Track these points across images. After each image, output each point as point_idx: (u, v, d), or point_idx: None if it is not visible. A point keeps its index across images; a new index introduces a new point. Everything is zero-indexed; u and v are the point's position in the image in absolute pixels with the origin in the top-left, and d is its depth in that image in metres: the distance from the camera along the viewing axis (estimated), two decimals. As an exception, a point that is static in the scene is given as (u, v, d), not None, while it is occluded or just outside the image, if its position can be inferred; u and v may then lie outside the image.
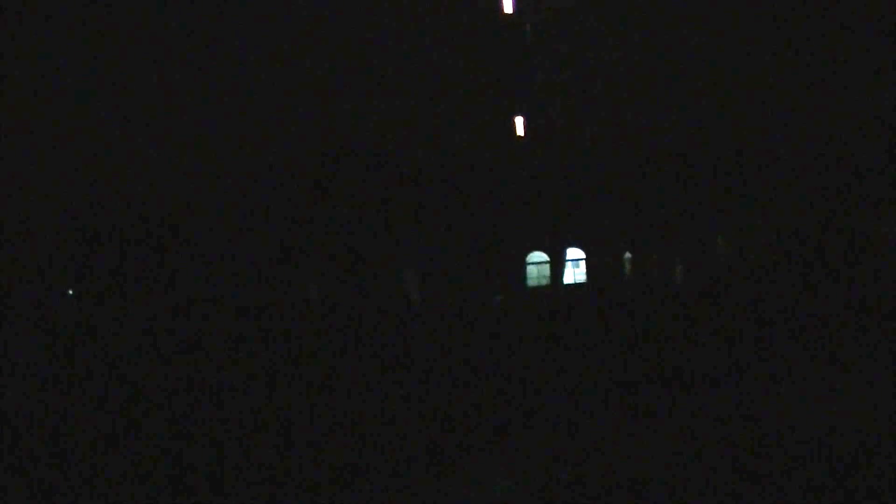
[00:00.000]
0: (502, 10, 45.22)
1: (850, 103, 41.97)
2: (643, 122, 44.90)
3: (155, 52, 43.12)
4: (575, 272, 47.39)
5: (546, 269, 46.78)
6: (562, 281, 46.51)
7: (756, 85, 43.49)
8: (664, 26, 44.72)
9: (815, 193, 42.11)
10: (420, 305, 41.06)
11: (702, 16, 43.93)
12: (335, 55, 44.08)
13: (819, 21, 42.29)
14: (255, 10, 43.68)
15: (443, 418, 15.42)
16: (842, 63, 41.87)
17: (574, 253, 47.22)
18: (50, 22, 42.29)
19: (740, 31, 43.37)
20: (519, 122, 45.69)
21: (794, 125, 43.07)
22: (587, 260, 46.76)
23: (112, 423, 15.95)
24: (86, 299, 40.64)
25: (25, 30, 42.15)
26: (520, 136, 45.70)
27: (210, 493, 11.74)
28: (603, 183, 45.10)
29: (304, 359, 23.72)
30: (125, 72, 42.91)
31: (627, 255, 46.43)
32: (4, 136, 41.33)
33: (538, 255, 47.30)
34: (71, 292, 40.72)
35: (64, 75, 42.20)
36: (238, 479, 12.16)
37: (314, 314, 38.80)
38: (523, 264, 47.05)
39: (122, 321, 36.69)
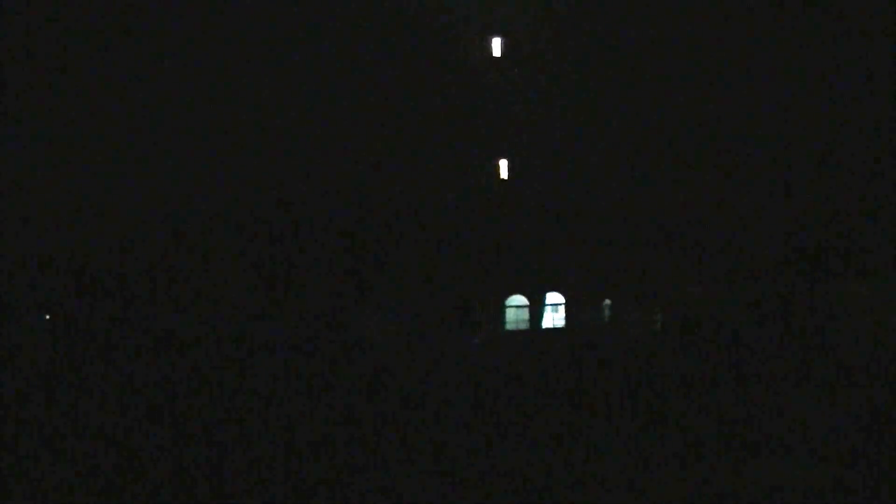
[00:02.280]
0: (490, 54, 45.60)
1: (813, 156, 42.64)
2: (626, 169, 45.34)
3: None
4: (554, 317, 47.37)
5: (525, 313, 46.75)
6: (540, 324, 46.51)
7: (734, 134, 44.10)
8: (645, 76, 45.28)
9: (791, 238, 42.53)
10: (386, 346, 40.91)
11: (677, 62, 44.54)
12: (322, 96, 44.54)
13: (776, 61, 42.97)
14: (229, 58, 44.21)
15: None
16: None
17: (553, 298, 47.24)
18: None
19: (715, 77, 44.02)
20: (503, 165, 45.97)
21: (763, 179, 43.74)
22: (566, 305, 46.79)
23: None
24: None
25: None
26: (503, 180, 45.93)
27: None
28: (585, 229, 45.38)
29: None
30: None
31: (607, 301, 46.56)
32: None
33: (518, 299, 47.27)
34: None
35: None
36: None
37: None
38: (502, 307, 47.00)
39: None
